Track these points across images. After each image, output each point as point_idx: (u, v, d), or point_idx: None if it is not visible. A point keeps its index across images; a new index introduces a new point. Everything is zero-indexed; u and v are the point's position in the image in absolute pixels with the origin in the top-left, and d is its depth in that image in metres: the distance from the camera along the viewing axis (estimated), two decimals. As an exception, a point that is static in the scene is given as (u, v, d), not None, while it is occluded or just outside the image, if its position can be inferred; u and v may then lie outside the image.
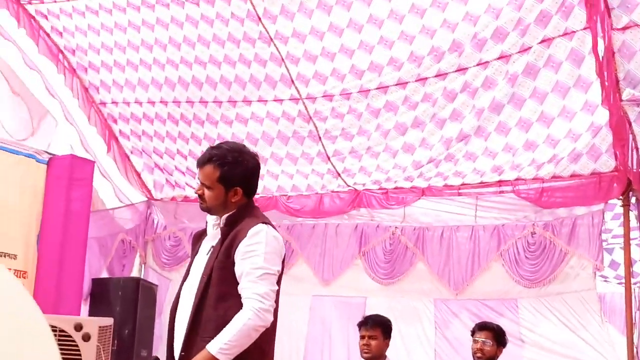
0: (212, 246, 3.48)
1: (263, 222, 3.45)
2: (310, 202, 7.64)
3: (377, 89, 6.50)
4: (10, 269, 6.50)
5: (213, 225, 3.57)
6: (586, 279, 6.59)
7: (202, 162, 3.50)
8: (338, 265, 7.74)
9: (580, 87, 5.86)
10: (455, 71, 6.15)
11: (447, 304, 7.24)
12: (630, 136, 5.92)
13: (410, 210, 7.35)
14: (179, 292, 3.54)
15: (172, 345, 3.46)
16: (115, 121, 7.93)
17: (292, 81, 6.70)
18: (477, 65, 6.06)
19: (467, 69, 6.10)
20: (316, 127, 7.03)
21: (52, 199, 6.72)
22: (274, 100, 6.98)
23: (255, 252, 3.34)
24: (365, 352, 5.75)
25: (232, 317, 3.25)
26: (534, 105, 6.11)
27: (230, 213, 3.49)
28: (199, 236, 3.68)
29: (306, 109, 6.91)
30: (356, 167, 7.20)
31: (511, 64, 5.95)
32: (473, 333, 5.84)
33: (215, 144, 3.62)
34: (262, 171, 7.51)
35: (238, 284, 3.34)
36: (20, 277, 6.46)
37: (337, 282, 7.74)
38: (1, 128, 7.03)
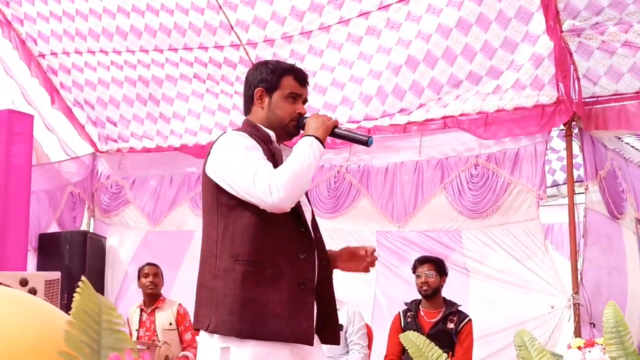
0: None
1: None
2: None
3: (319, 29, 5.71)
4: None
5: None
6: (529, 209, 5.99)
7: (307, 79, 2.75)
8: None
9: (521, 19, 5.27)
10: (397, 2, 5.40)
11: (389, 236, 6.57)
12: (572, 67, 5.41)
13: (354, 149, 6.62)
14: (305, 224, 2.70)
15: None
16: (55, 73, 7.05)
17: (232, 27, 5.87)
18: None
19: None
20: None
21: (-9, 155, 5.95)
22: (215, 47, 6.14)
23: None
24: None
25: None
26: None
27: None
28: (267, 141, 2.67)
29: (247, 55, 6.09)
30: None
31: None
32: (415, 269, 5.28)
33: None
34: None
35: None
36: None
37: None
38: None
